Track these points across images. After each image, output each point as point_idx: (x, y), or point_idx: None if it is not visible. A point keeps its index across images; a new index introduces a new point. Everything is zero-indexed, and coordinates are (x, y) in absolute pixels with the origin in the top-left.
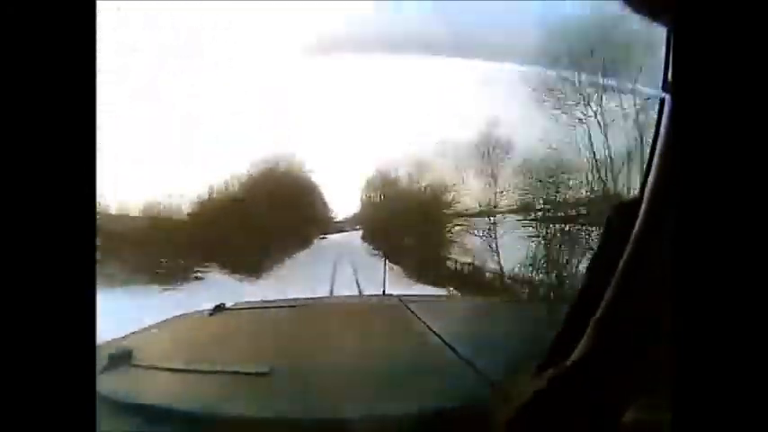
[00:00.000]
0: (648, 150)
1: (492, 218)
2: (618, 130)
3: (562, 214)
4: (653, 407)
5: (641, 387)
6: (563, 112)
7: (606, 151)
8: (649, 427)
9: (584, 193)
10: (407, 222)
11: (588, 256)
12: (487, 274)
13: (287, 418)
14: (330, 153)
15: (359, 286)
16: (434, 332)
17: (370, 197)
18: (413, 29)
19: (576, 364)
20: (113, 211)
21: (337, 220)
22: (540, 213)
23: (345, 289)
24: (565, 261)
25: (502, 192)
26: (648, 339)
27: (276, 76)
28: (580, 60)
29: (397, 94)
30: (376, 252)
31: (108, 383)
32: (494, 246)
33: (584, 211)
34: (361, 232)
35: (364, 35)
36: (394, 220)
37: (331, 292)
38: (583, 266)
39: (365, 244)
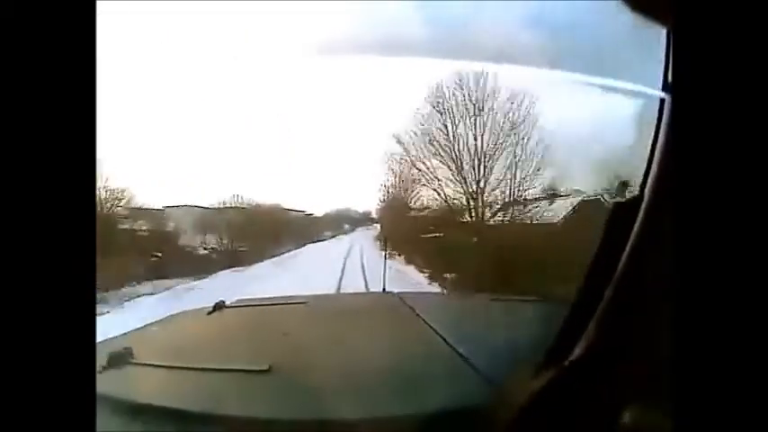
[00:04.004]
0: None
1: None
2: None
3: None
4: (653, 407)
5: (641, 387)
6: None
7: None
8: (649, 427)
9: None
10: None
11: None
12: None
13: (287, 417)
14: (326, 153)
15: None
16: (435, 330)
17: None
18: (402, 30)
19: (575, 364)
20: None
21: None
22: None
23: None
24: None
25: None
26: (648, 339)
27: (275, 77)
28: (574, 59)
29: (390, 95)
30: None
31: (108, 382)
32: None
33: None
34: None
35: (361, 37)
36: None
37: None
38: None
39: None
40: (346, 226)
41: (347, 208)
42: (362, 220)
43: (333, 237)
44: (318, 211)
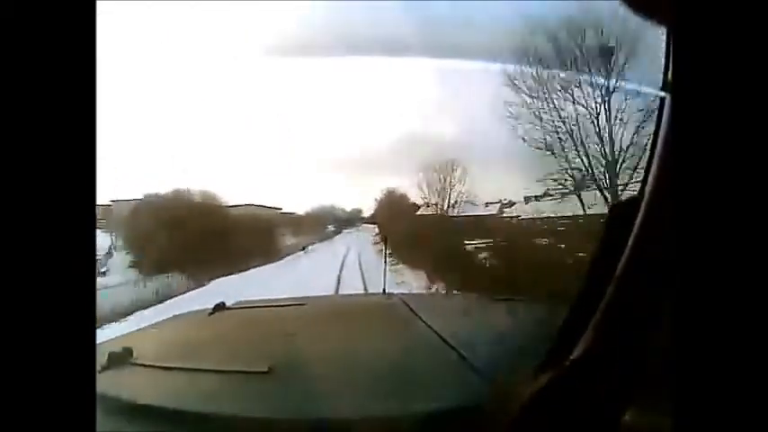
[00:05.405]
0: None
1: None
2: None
3: None
4: (653, 407)
5: (641, 387)
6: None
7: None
8: (649, 428)
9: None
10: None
11: None
12: None
13: (287, 418)
14: (299, 154)
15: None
16: (435, 331)
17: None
18: (378, 29)
19: (575, 364)
20: None
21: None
22: None
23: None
24: None
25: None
26: (648, 339)
27: (239, 78)
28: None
29: (368, 96)
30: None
31: (108, 383)
32: None
33: None
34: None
35: (330, 36)
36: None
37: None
38: None
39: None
40: (330, 228)
41: (332, 205)
42: (352, 220)
43: (310, 245)
44: (300, 208)
